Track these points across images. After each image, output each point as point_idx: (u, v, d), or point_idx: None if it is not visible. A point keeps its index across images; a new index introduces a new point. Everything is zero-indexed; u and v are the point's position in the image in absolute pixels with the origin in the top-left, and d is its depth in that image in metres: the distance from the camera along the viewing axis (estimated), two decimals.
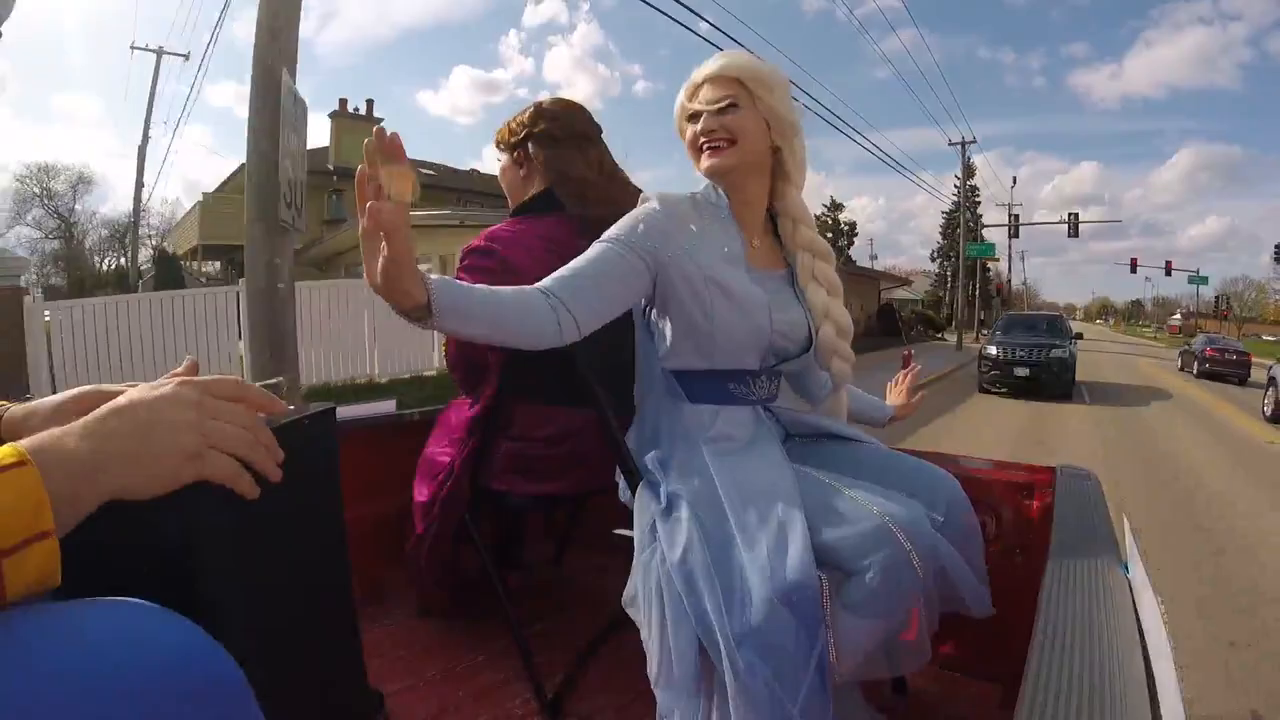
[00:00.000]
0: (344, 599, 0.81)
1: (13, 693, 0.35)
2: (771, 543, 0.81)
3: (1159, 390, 12.67)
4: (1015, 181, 35.74)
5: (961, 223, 26.10)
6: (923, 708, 1.18)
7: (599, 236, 0.98)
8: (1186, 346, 18.74)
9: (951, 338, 24.64)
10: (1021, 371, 10.40)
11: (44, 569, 0.39)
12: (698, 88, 1.01)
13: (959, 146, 24.75)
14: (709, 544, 0.83)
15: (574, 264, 0.92)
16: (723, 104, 0.98)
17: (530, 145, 1.27)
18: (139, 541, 0.54)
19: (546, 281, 0.89)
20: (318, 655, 0.75)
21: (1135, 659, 0.59)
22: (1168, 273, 32.98)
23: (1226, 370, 14.52)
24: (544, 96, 1.39)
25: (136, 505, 0.50)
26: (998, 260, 30.27)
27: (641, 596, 0.87)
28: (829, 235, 28.54)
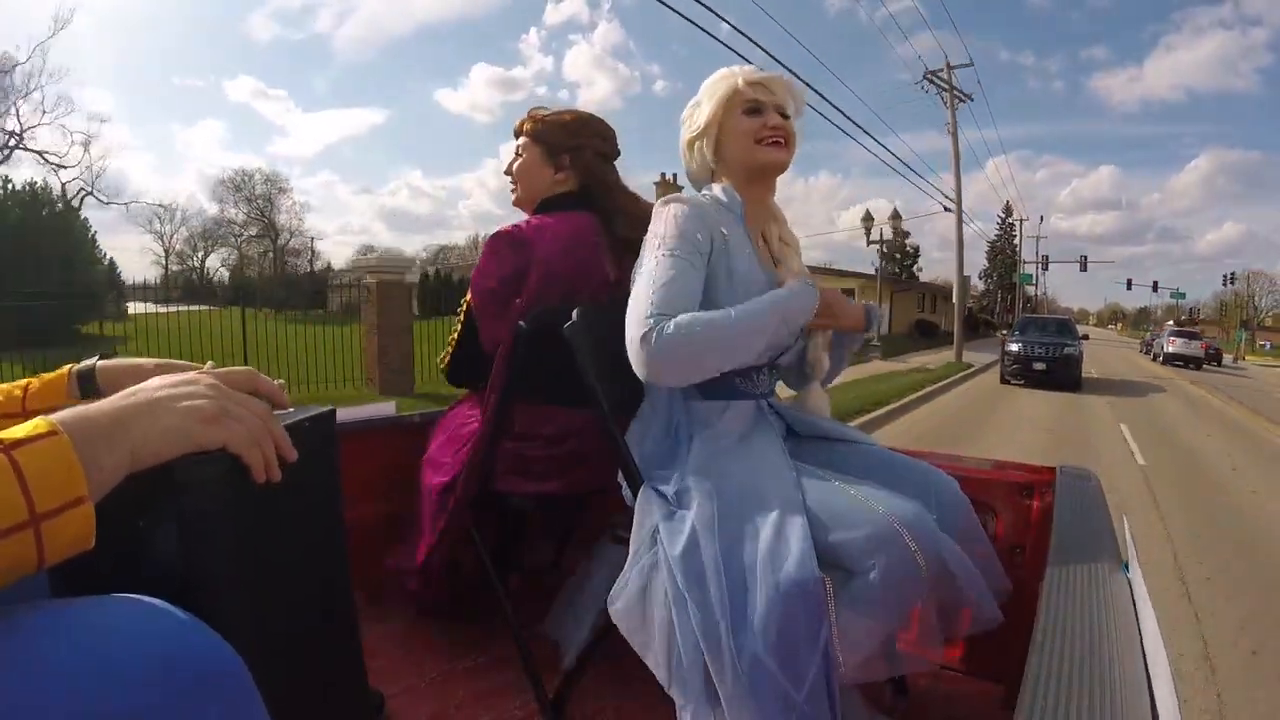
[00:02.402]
0: (344, 601, 0.81)
1: (19, 688, 0.36)
2: (772, 539, 0.81)
3: (1114, 351, 30.33)
4: (1042, 220, 48.34)
5: (1018, 263, 40.01)
6: (923, 708, 1.18)
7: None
8: (1145, 338, 37.25)
9: (1003, 333, 36.10)
10: (1039, 365, 11.99)
11: (80, 533, 0.41)
12: (758, 84, 1.04)
13: (1017, 220, 40.53)
14: (714, 540, 0.84)
15: (668, 284, 0.92)
16: (784, 110, 1.04)
17: (581, 154, 1.33)
18: (138, 543, 0.54)
19: (658, 309, 0.90)
20: (318, 657, 0.75)
21: (1135, 659, 0.59)
22: (1154, 289, 43.83)
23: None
24: (582, 108, 1.47)
25: (135, 505, 0.50)
26: (1034, 286, 43.56)
27: (640, 598, 0.87)
28: (897, 256, 42.64)
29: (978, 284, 53.76)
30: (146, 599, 0.43)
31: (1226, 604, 2.86)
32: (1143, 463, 5.97)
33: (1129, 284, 44.31)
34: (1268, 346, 44.16)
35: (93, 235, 18.20)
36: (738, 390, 1.02)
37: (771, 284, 1.03)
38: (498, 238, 1.25)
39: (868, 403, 7.88)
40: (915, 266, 44.40)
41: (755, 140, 1.02)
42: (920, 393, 9.67)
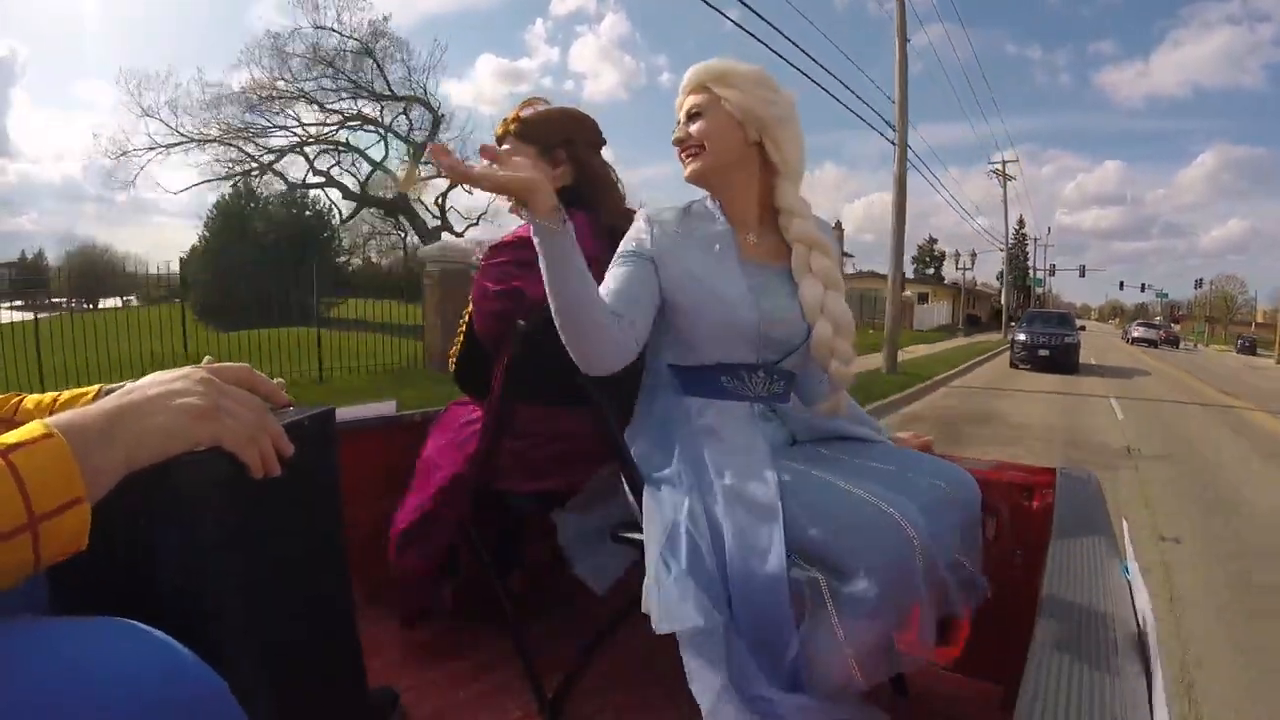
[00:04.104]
0: (344, 602, 0.81)
1: None
2: (744, 546, 0.83)
3: (1106, 339, 43.29)
4: (1050, 231, 57.22)
5: (1031, 272, 49.54)
6: (923, 708, 1.18)
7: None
8: (1124, 329, 47.40)
9: (1012, 325, 47.99)
10: (1044, 352, 14.46)
11: (74, 533, 0.41)
12: (680, 103, 1.07)
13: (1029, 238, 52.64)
14: (705, 542, 0.85)
15: (617, 284, 0.97)
16: (688, 111, 1.04)
17: (574, 148, 1.30)
18: (138, 548, 0.54)
19: (608, 302, 0.94)
20: (317, 657, 0.75)
21: (1135, 659, 0.59)
22: (1142, 290, 55.85)
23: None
24: (569, 102, 1.43)
25: (134, 508, 0.50)
26: (1044, 289, 52.90)
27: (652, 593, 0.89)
28: (927, 259, 53.68)
29: (995, 284, 63.11)
30: (126, 621, 0.42)
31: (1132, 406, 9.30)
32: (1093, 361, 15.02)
33: (1121, 285, 68.69)
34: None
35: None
36: (724, 390, 1.01)
37: (747, 275, 1.01)
38: (499, 249, 1.22)
39: (972, 355, 15.74)
40: (942, 269, 55.60)
41: (680, 160, 1.06)
42: (995, 350, 19.42)
